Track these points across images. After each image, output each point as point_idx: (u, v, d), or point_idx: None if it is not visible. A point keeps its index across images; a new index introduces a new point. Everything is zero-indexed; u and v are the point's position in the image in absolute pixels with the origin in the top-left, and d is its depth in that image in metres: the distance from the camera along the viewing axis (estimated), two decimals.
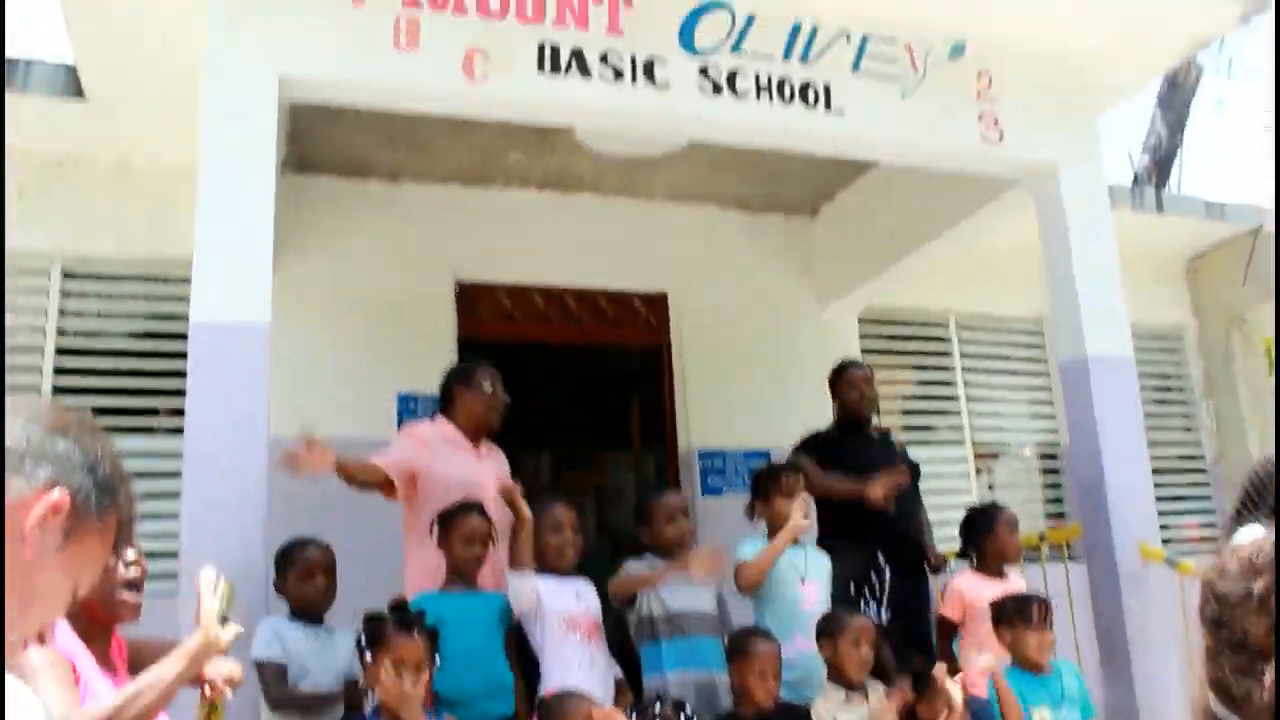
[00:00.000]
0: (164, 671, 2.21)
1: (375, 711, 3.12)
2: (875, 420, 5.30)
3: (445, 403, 4.39)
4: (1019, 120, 5.17)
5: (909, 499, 5.04)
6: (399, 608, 3.24)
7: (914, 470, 5.20)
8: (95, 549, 1.19)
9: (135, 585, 2.61)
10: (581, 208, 6.79)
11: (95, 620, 2.49)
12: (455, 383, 4.37)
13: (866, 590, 4.54)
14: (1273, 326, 8.75)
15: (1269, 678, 0.88)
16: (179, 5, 4.42)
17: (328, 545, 3.73)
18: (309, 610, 3.62)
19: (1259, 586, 0.91)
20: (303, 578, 3.62)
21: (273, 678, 3.35)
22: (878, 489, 4.56)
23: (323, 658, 3.52)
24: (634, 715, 3.31)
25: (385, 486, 4.00)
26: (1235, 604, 0.92)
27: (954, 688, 3.53)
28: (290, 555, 3.67)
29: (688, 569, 3.83)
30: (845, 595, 4.42)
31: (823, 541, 4.74)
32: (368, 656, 3.07)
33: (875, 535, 4.69)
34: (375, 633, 3.11)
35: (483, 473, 4.16)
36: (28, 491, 1.11)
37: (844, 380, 5.18)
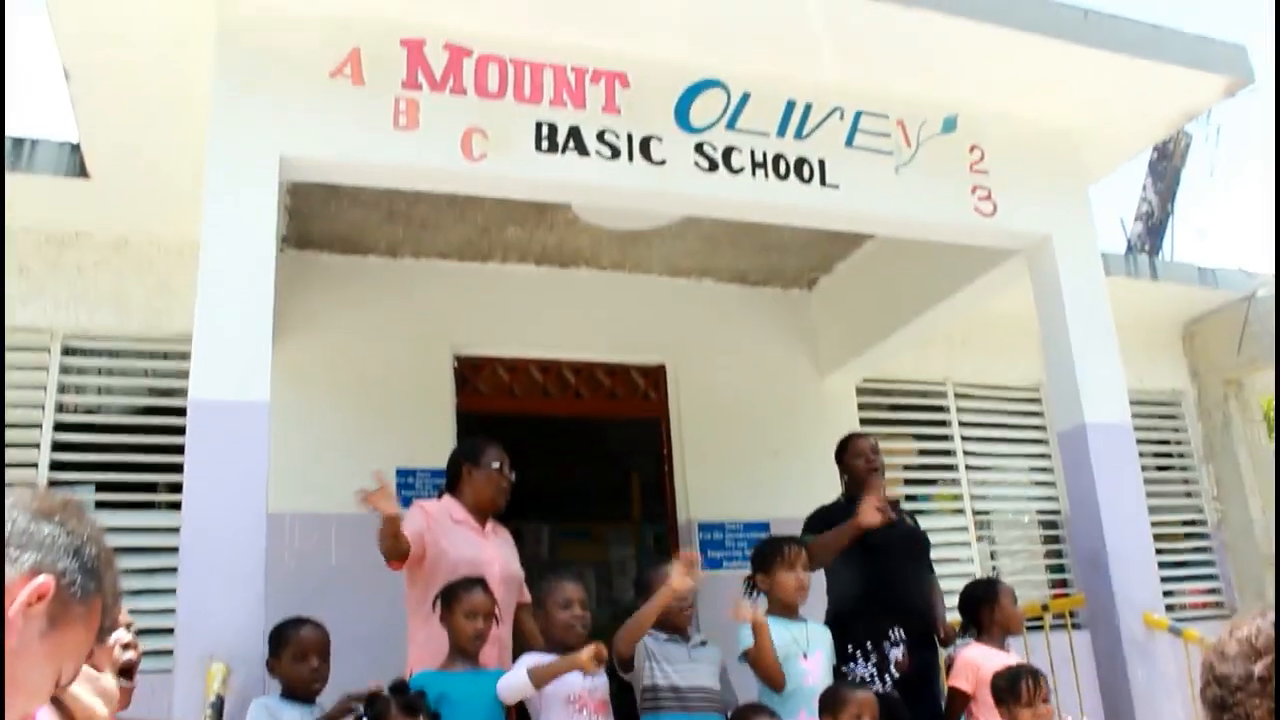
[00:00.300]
0: None
1: None
2: (884, 492, 5.26)
3: (453, 481, 4.36)
4: (1012, 192, 5.23)
5: (919, 570, 5.00)
6: (400, 688, 3.20)
7: (923, 541, 5.17)
8: (80, 635, 1.18)
9: (128, 671, 2.58)
10: (579, 282, 6.84)
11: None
12: (464, 461, 4.34)
13: (869, 659, 4.48)
14: (1271, 392, 8.77)
15: None
16: (183, 86, 4.51)
17: (322, 625, 3.69)
18: (302, 691, 3.57)
19: (1260, 668, 0.91)
20: (296, 658, 3.58)
21: None
22: (866, 513, 4.49)
23: None
24: None
25: (400, 557, 3.96)
26: (1237, 687, 0.92)
27: None
28: (283, 635, 3.62)
29: (673, 590, 3.77)
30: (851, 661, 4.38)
31: (834, 613, 4.70)
32: None
33: (885, 606, 4.64)
34: (379, 713, 3.08)
35: (489, 552, 4.14)
36: (13, 577, 1.10)
37: (850, 450, 5.13)
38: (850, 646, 4.45)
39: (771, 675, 3.97)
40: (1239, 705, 0.92)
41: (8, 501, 1.16)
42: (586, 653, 3.54)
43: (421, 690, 3.23)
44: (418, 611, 4.06)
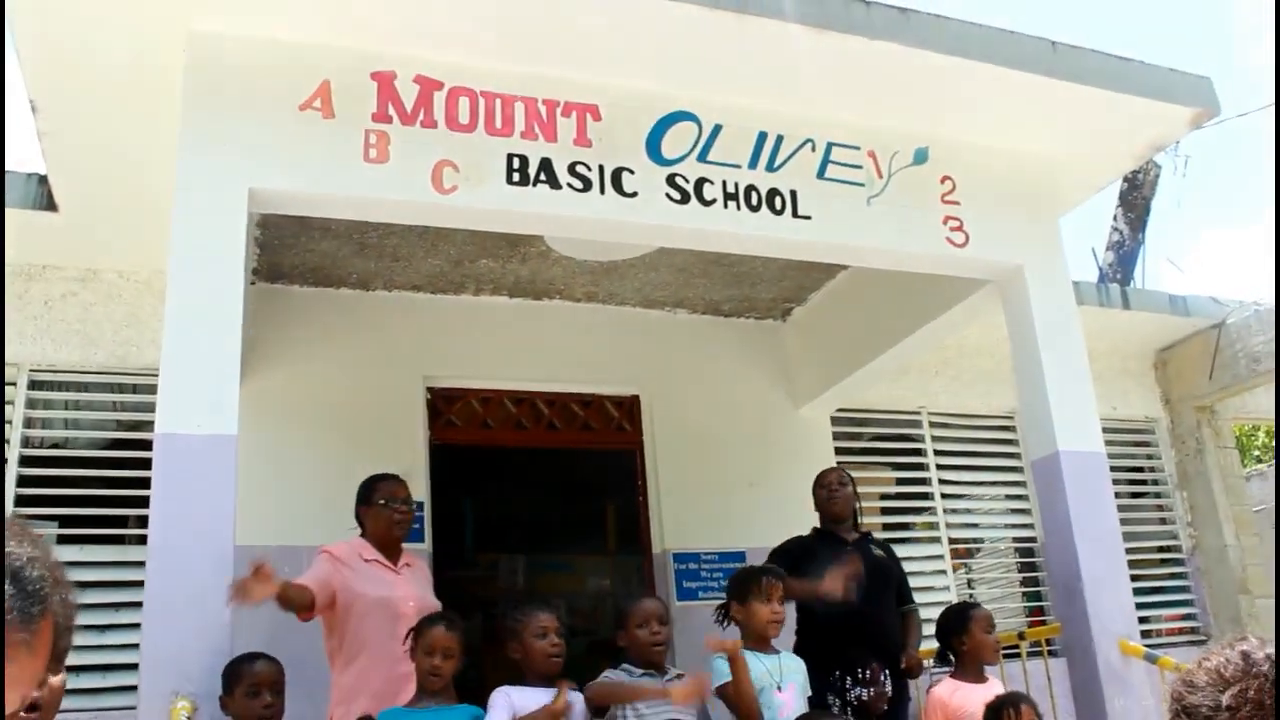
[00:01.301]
0: None
1: None
2: (858, 522, 5.25)
3: (359, 522, 4.40)
4: (983, 223, 5.25)
5: (886, 600, 4.99)
6: None
7: (894, 571, 5.17)
8: (25, 662, 1.12)
9: (35, 707, 2.52)
10: (552, 313, 6.83)
11: None
12: (358, 503, 4.39)
13: (836, 689, 4.44)
14: (1243, 419, 8.83)
15: None
16: (151, 118, 4.48)
17: (276, 660, 3.62)
18: None
19: (1228, 698, 0.90)
20: (249, 694, 3.49)
21: None
22: (831, 585, 4.48)
23: None
24: None
25: (308, 609, 3.95)
26: (1206, 717, 0.91)
27: None
28: (236, 671, 3.53)
29: (669, 695, 3.74)
30: (821, 698, 4.33)
31: (803, 646, 4.68)
32: None
33: (853, 638, 4.61)
34: None
35: (401, 589, 4.14)
36: None
37: (818, 483, 5.20)
38: (825, 677, 4.41)
39: (750, 709, 3.93)
40: None
41: None
42: (561, 701, 3.53)
43: None
44: (336, 657, 4.06)
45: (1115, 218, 11.54)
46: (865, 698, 4.39)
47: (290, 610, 3.88)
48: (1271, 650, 0.91)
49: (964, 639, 4.60)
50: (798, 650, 4.56)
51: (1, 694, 1.07)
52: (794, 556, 4.79)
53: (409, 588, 4.18)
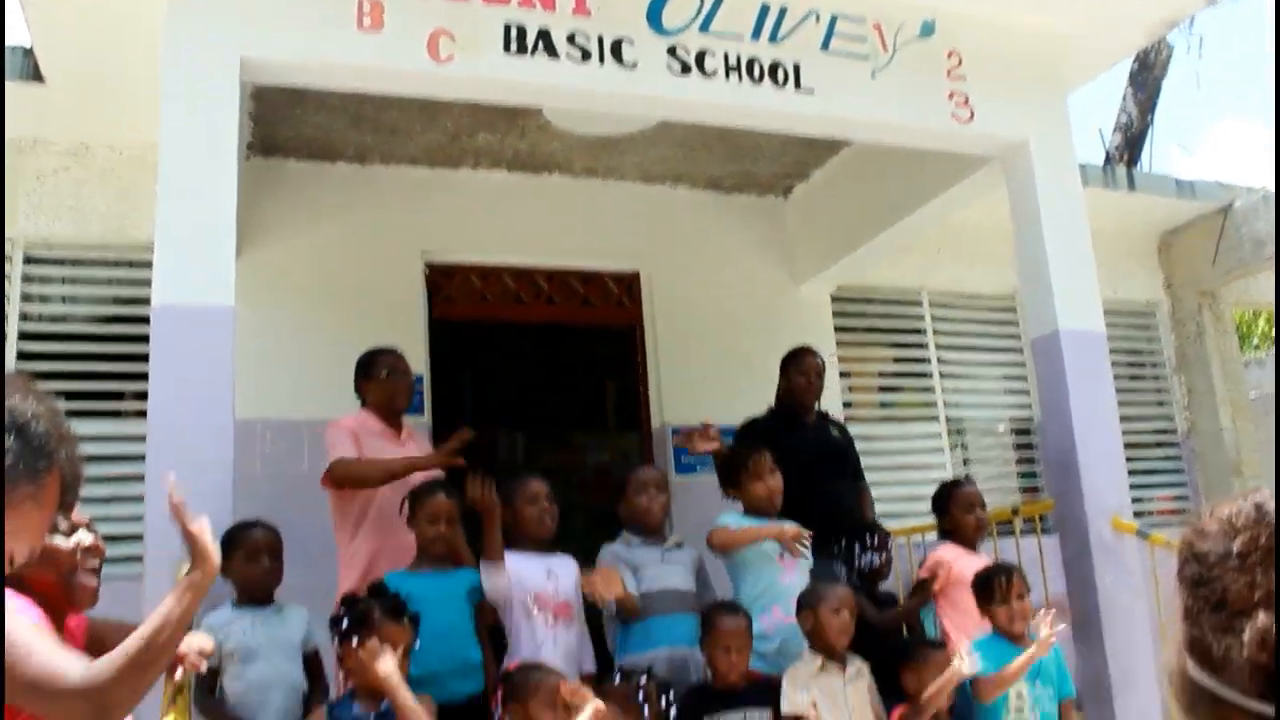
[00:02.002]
0: (173, 607, 2.14)
1: (351, 695, 3.11)
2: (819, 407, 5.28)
3: (360, 396, 4.46)
4: (989, 98, 5.16)
5: (844, 479, 5.04)
6: (380, 591, 3.21)
7: (850, 451, 5.21)
8: (31, 515, 1.13)
9: (95, 570, 2.57)
10: (552, 188, 6.74)
11: (52, 604, 2.45)
12: (358, 377, 4.45)
13: (843, 558, 4.51)
14: (1244, 304, 8.82)
15: (1249, 635, 0.87)
16: None
17: (273, 527, 3.67)
18: (257, 592, 3.56)
19: (1239, 544, 0.91)
20: (248, 559, 3.56)
21: (202, 681, 3.30)
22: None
23: (274, 638, 3.47)
24: (617, 682, 3.30)
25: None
26: (1215, 563, 0.93)
27: (960, 661, 3.54)
28: (235, 537, 3.59)
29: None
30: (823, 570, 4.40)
31: None
32: (353, 641, 3.04)
33: (813, 515, 4.60)
34: (361, 616, 3.08)
35: (403, 455, 4.22)
36: None
37: (797, 365, 5.17)
38: (833, 547, 4.48)
39: (736, 545, 3.98)
40: (1216, 581, 0.93)
41: None
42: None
43: (398, 594, 3.24)
44: (345, 527, 4.14)
45: (1124, 98, 11.34)
46: (876, 564, 4.47)
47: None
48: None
49: (946, 517, 4.68)
50: None
51: (2, 545, 1.07)
52: (756, 442, 4.75)
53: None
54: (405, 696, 2.97)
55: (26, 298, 5.68)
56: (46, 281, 5.80)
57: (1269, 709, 0.87)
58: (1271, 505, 0.94)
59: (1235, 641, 0.89)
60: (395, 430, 4.34)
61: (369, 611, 3.12)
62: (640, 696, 3.28)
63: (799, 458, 4.58)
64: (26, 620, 2.00)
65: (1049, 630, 3.76)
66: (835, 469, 4.96)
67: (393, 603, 3.17)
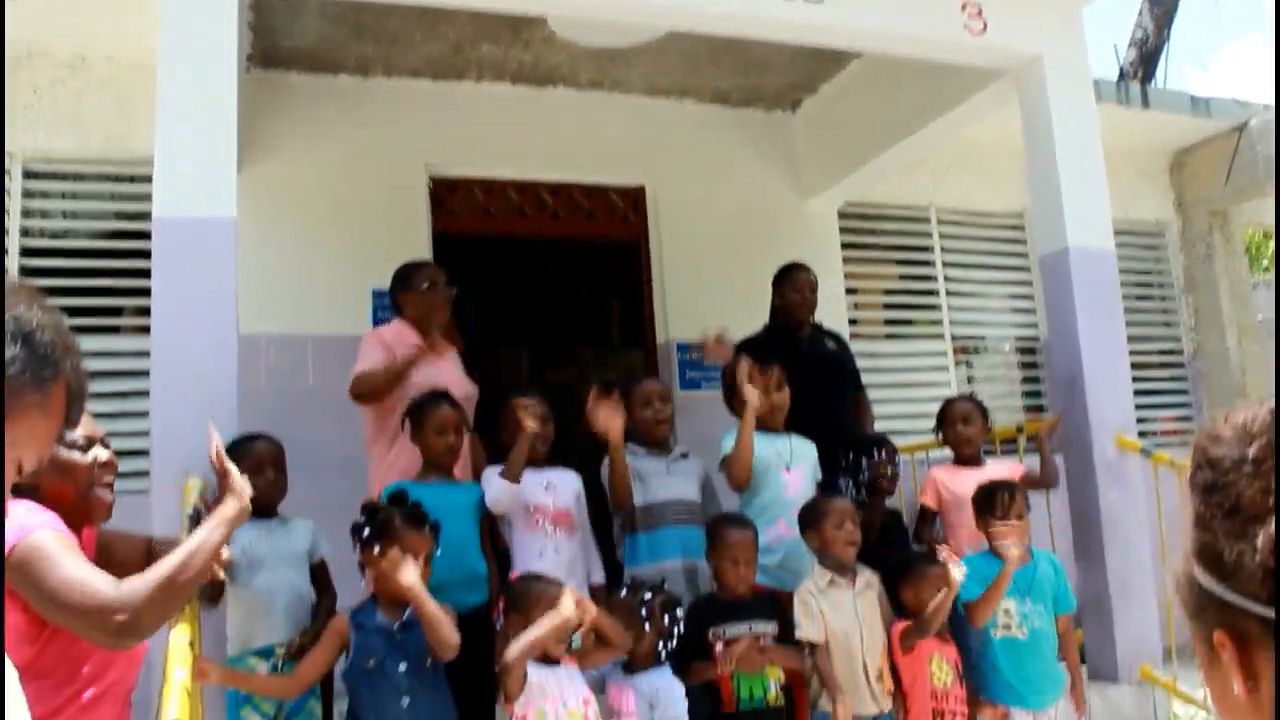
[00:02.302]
0: (207, 537, 2.20)
1: (374, 601, 3.13)
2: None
3: (396, 308, 4.40)
4: (1003, 10, 5.06)
5: (842, 389, 5.03)
6: (401, 499, 3.21)
7: (847, 361, 5.19)
8: (38, 423, 1.13)
9: (110, 485, 2.58)
10: (556, 101, 6.65)
11: (68, 518, 2.47)
12: (397, 288, 4.38)
13: (850, 471, 4.50)
14: (1252, 226, 8.74)
15: (1262, 540, 0.87)
16: None
17: (276, 439, 3.66)
18: (260, 505, 3.55)
19: (1254, 450, 0.91)
20: (252, 472, 3.53)
21: (207, 591, 3.30)
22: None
23: (278, 549, 3.48)
24: (624, 595, 3.32)
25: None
26: (1229, 468, 0.92)
27: (957, 572, 3.55)
28: (238, 450, 3.57)
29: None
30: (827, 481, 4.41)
31: None
32: (375, 549, 3.06)
33: (812, 427, 4.60)
34: (383, 524, 3.09)
35: (443, 371, 4.17)
36: None
37: (790, 282, 5.14)
38: (841, 462, 4.47)
39: (744, 460, 3.97)
40: (1230, 487, 0.92)
41: None
42: (530, 425, 3.68)
43: (418, 501, 3.23)
44: (381, 436, 4.10)
45: (1140, 13, 11.13)
46: (880, 475, 4.47)
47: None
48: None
49: (944, 431, 4.69)
50: None
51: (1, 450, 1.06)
52: (755, 352, 4.72)
53: (452, 373, 4.20)
54: (430, 606, 2.99)
55: (27, 213, 5.62)
56: (47, 196, 5.74)
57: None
58: None
59: (1248, 547, 0.89)
60: (431, 344, 4.29)
61: (390, 519, 3.12)
62: (644, 612, 3.30)
63: (795, 373, 4.57)
64: (54, 532, 2.02)
65: (1017, 548, 3.75)
66: (833, 382, 4.94)
67: (413, 510, 3.17)
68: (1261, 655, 0.90)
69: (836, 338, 5.41)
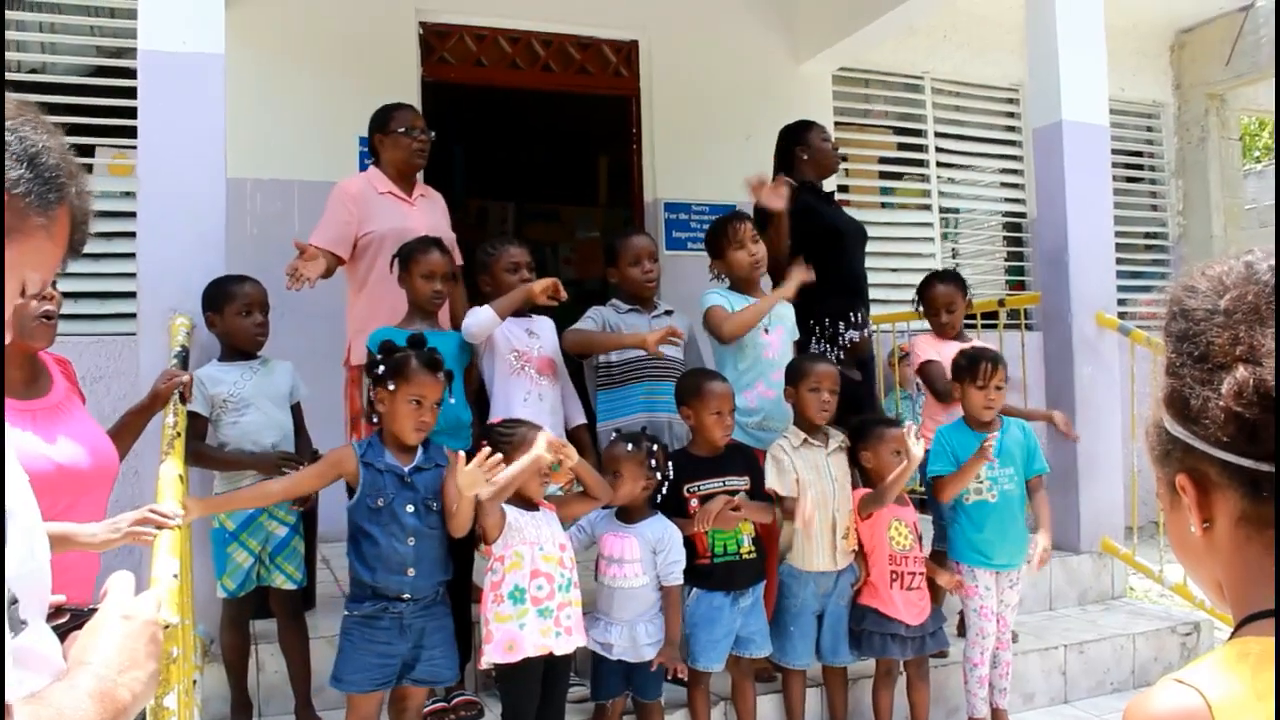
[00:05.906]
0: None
1: (380, 440, 3.14)
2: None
3: (373, 152, 4.29)
4: None
5: (861, 253, 4.95)
6: (419, 343, 3.20)
7: (864, 228, 5.16)
8: (43, 245, 1.13)
9: (50, 315, 2.65)
10: None
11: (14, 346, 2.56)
12: (374, 131, 4.25)
13: (824, 337, 4.52)
14: (1249, 112, 8.66)
15: (1226, 386, 0.91)
16: None
17: (261, 284, 3.60)
18: (247, 345, 3.54)
19: (1225, 302, 0.95)
20: (242, 313, 3.52)
21: (193, 429, 3.32)
22: (768, 197, 4.32)
23: (262, 388, 3.50)
24: (630, 447, 3.35)
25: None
26: (1202, 318, 0.96)
27: (916, 445, 3.59)
28: (228, 291, 3.51)
29: (644, 342, 3.80)
30: (807, 343, 4.42)
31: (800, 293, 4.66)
32: (390, 385, 3.07)
33: (848, 289, 4.61)
34: (398, 366, 3.09)
35: (415, 219, 4.09)
36: None
37: (820, 133, 4.79)
38: (811, 323, 4.47)
39: (751, 324, 3.96)
40: (1201, 335, 0.96)
41: None
42: (539, 285, 3.62)
43: (434, 346, 3.22)
44: (353, 283, 4.10)
45: None
46: (856, 340, 4.50)
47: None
48: (1274, 262, 0.93)
49: (923, 305, 4.69)
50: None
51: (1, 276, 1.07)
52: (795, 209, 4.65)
53: (423, 218, 4.14)
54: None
55: (8, 45, 5.48)
56: (24, 28, 5.59)
57: (1237, 459, 0.91)
58: (1262, 265, 0.96)
59: (1213, 394, 0.93)
60: (408, 190, 4.22)
61: (405, 361, 3.11)
62: (653, 464, 3.35)
63: (832, 234, 4.55)
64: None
65: (989, 442, 3.76)
66: (856, 245, 4.83)
67: (430, 355, 3.16)
68: (1219, 497, 0.95)
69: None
